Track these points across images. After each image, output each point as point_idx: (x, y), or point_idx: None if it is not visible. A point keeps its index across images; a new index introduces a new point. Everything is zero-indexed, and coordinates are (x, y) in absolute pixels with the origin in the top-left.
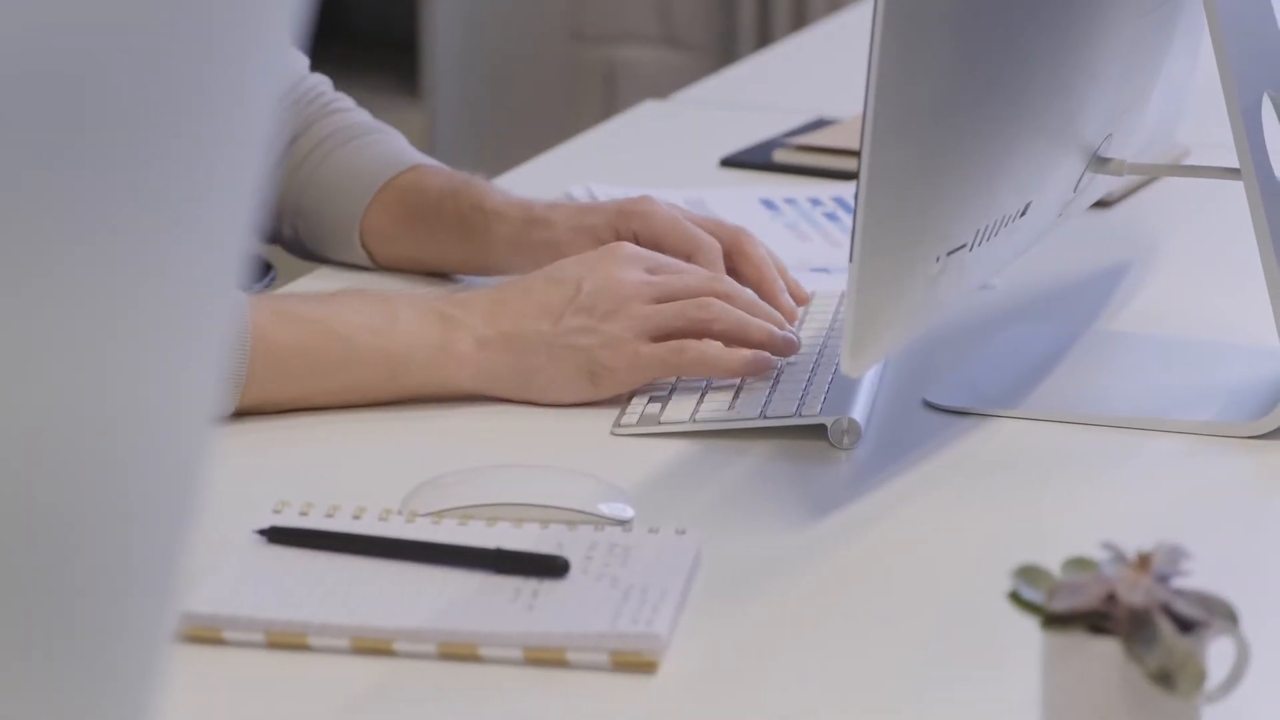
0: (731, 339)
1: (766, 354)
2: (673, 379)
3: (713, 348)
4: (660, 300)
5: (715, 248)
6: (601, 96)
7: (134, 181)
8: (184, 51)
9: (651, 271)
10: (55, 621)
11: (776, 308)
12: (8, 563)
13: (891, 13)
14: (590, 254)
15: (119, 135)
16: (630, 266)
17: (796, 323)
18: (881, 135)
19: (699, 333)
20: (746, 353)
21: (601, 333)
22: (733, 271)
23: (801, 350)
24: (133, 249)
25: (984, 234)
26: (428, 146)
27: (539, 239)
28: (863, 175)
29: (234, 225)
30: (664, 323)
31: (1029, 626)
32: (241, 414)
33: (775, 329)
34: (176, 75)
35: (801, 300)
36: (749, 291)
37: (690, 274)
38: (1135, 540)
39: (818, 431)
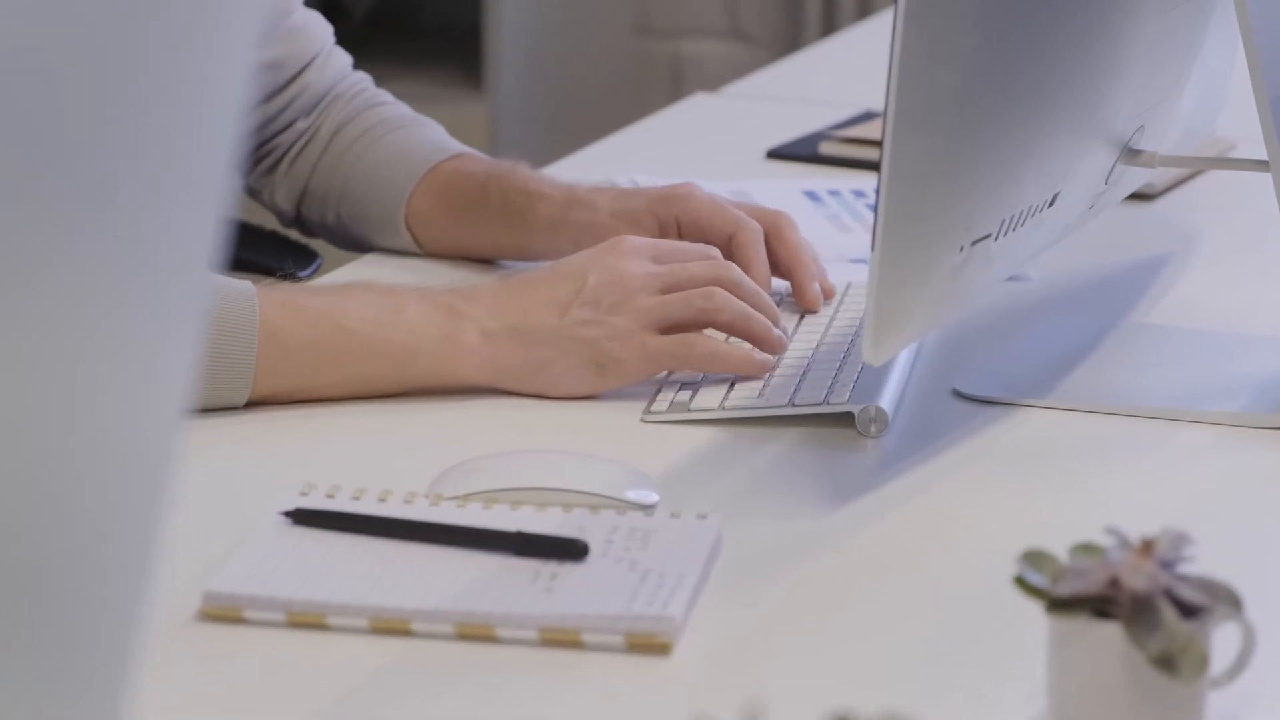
0: (735, 330)
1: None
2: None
3: (721, 344)
4: (666, 291)
5: (756, 228)
6: (667, 90)
7: (98, 182)
8: (148, 51)
9: (658, 260)
10: (27, 617)
11: (803, 293)
12: None
13: (914, 1)
14: (595, 248)
15: (83, 135)
16: (635, 258)
17: (824, 313)
18: (903, 123)
19: (704, 323)
20: (756, 354)
21: (608, 325)
22: (770, 254)
23: (833, 339)
24: (98, 250)
25: (1010, 224)
26: (491, 140)
27: (580, 220)
28: (884, 164)
29: (201, 223)
30: (670, 314)
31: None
32: (251, 404)
33: (772, 325)
34: (141, 74)
35: (828, 294)
36: (753, 283)
37: (696, 263)
38: (1159, 529)
39: (846, 419)
